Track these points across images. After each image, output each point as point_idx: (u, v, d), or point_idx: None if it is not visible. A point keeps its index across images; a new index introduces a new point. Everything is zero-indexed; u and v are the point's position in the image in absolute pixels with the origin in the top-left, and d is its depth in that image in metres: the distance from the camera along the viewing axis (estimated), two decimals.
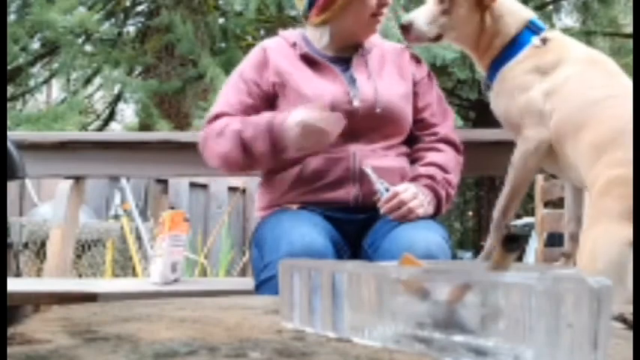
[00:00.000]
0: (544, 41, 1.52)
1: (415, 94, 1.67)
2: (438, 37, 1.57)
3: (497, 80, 1.55)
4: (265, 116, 1.52)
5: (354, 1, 1.58)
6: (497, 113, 1.59)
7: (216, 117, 1.61)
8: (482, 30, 1.55)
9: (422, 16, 1.55)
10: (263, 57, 1.65)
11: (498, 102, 1.56)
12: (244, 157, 1.53)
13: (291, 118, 1.46)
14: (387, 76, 1.64)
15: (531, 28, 1.55)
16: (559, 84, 1.47)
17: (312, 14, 1.64)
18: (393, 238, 1.44)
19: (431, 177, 1.58)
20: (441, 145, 1.65)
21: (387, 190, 1.50)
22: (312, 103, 1.49)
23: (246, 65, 1.67)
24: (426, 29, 1.55)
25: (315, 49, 1.67)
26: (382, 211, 1.50)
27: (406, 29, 1.56)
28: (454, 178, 1.63)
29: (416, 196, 1.51)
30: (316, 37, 1.68)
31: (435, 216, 1.59)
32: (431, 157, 1.62)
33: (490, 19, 1.55)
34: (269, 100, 1.63)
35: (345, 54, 1.67)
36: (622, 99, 1.41)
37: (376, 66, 1.65)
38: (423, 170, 1.60)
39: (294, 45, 1.66)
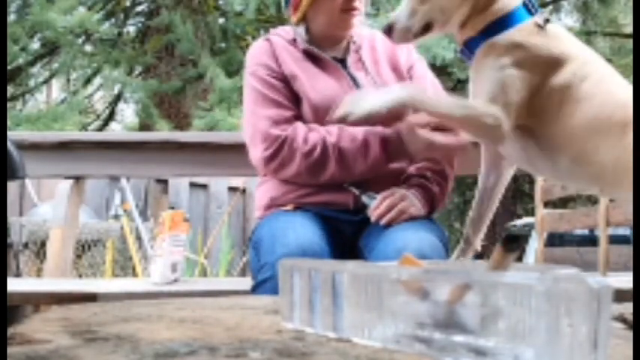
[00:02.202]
0: (547, 21, 1.41)
1: (410, 79, 1.65)
2: (425, 30, 1.45)
3: (482, 50, 1.41)
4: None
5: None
6: (474, 84, 1.46)
7: (282, 121, 1.53)
8: (472, 7, 1.42)
9: (402, 14, 1.46)
10: (270, 48, 1.61)
11: (482, 75, 1.42)
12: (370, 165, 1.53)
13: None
14: (382, 70, 1.62)
15: (528, 6, 1.43)
16: (579, 78, 1.37)
17: (290, 14, 1.65)
18: (387, 239, 1.43)
19: (422, 175, 1.57)
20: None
21: (374, 198, 1.51)
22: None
23: (260, 63, 1.61)
24: (409, 24, 1.45)
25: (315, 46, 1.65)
26: (372, 219, 1.51)
27: (389, 32, 1.47)
28: (448, 169, 1.62)
29: (404, 198, 1.50)
30: (301, 36, 1.65)
31: (431, 213, 1.58)
32: None
33: None
34: (292, 91, 1.58)
35: (336, 53, 1.65)
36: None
37: (371, 62, 1.64)
38: (413, 170, 1.59)
39: (294, 41, 1.63)
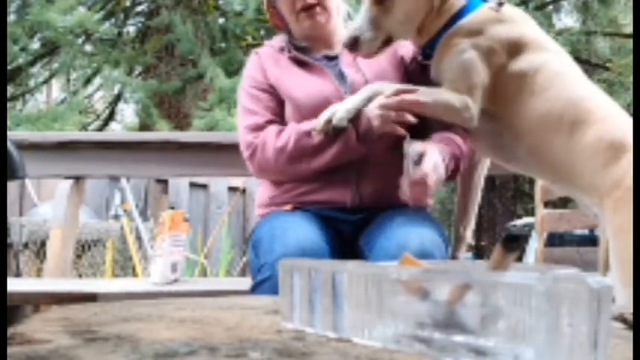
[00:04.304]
0: (500, 4, 1.39)
1: (412, 74, 1.62)
2: (388, 41, 1.43)
3: (442, 42, 1.41)
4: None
5: (277, 3, 1.65)
6: (438, 77, 1.45)
7: (256, 129, 1.59)
8: (429, 9, 1.40)
9: (363, 26, 1.40)
10: (258, 61, 1.68)
11: (443, 64, 1.41)
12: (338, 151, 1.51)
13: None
14: (375, 63, 1.61)
15: None
16: (534, 68, 1.36)
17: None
18: (389, 236, 1.44)
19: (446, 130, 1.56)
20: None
21: (417, 161, 1.41)
22: None
23: (248, 75, 1.69)
24: (374, 35, 1.40)
25: (303, 51, 1.67)
26: (414, 176, 1.41)
27: (354, 47, 1.41)
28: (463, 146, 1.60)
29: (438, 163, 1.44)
30: (288, 42, 1.70)
31: (456, 172, 1.55)
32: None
33: None
34: (277, 97, 1.63)
35: (329, 51, 1.67)
36: (603, 97, 1.37)
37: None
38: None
39: (281, 50, 1.67)
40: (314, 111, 1.52)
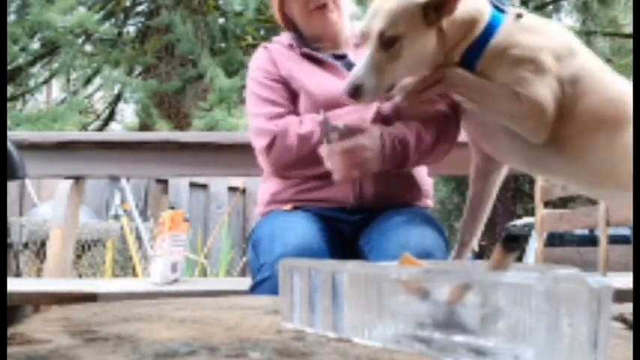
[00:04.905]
0: (519, 16, 1.34)
1: None
2: (392, 87, 1.35)
3: (484, 62, 1.33)
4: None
5: (288, 5, 1.64)
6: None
7: (276, 116, 1.56)
8: (440, 49, 1.32)
9: (366, 73, 1.29)
10: (268, 54, 1.66)
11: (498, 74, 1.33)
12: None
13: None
14: None
15: (496, 5, 1.36)
16: (575, 74, 1.32)
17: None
18: (389, 235, 1.44)
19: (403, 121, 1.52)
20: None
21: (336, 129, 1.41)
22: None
23: (258, 67, 1.66)
24: (378, 83, 1.30)
25: (312, 48, 1.67)
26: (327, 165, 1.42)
27: (356, 95, 1.30)
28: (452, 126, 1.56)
29: (362, 149, 1.42)
30: (297, 40, 1.69)
31: (399, 167, 1.51)
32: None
33: (449, 22, 1.30)
34: (290, 90, 1.60)
35: (337, 50, 1.67)
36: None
37: None
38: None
39: (291, 46, 1.66)
40: (330, 107, 1.50)
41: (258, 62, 1.66)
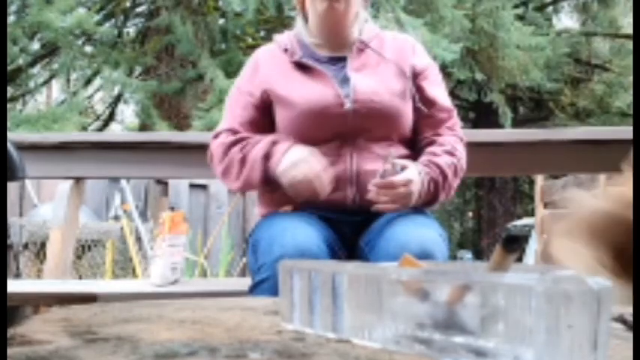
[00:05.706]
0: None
1: (418, 88, 1.62)
2: None
3: None
4: (261, 149, 1.52)
5: None
6: None
7: (219, 134, 1.65)
8: None
9: None
10: (254, 66, 1.67)
11: None
12: (243, 183, 1.57)
13: (284, 162, 1.47)
14: (383, 71, 1.60)
15: None
16: None
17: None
18: (389, 236, 1.43)
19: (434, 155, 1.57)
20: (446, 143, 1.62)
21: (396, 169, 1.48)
22: (308, 149, 1.49)
23: (242, 77, 1.70)
24: None
25: (310, 51, 1.65)
26: (373, 204, 1.48)
27: None
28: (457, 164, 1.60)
29: (408, 184, 1.47)
30: (306, 34, 1.67)
31: (432, 204, 1.58)
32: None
33: None
34: (266, 108, 1.62)
35: (340, 52, 1.65)
36: None
37: (372, 61, 1.62)
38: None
39: (285, 51, 1.65)
40: (311, 117, 1.52)
41: (246, 69, 1.71)
